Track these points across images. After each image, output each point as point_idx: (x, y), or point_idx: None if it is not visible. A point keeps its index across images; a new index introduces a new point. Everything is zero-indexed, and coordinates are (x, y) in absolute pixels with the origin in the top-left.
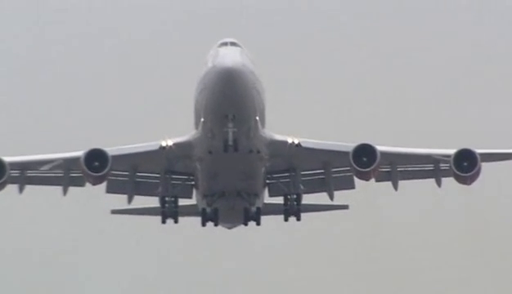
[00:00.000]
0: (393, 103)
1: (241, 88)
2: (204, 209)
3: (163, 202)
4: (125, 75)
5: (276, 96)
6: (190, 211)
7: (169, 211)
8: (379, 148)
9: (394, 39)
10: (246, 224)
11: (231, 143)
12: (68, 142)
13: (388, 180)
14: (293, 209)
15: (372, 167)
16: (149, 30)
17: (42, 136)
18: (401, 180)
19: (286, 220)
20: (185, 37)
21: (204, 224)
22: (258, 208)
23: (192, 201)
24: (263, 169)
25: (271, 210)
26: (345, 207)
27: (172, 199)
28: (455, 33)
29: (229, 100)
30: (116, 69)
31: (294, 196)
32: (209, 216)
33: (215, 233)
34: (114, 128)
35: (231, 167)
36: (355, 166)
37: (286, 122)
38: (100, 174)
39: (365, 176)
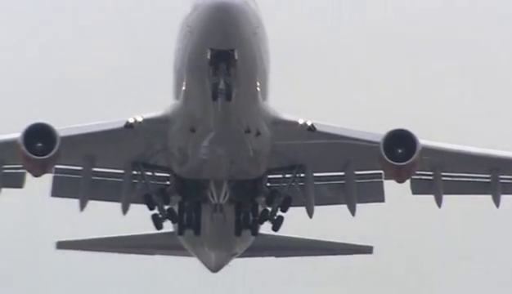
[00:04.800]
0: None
1: (240, 30)
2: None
3: (149, 201)
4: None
5: (280, 77)
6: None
7: (161, 211)
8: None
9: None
10: (239, 234)
11: (222, 87)
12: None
13: (428, 193)
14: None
15: (411, 160)
16: None
17: None
18: (447, 194)
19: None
20: None
21: (181, 233)
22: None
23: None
24: (263, 164)
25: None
26: (368, 249)
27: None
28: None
29: (222, 41)
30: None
31: (282, 199)
32: (189, 220)
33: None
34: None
35: (218, 157)
36: (387, 158)
37: (291, 108)
38: (44, 157)
39: (399, 174)
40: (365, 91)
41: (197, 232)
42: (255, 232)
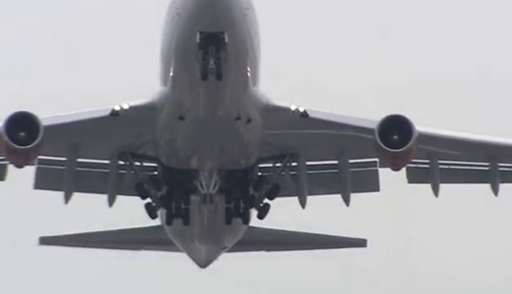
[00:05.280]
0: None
1: (230, 12)
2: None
3: (141, 191)
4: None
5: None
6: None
7: (154, 199)
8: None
9: None
10: (229, 223)
11: (212, 66)
12: None
13: (425, 182)
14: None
15: (407, 147)
16: None
17: None
18: (444, 183)
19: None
20: None
21: (169, 222)
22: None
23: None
24: (254, 152)
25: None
26: (362, 242)
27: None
28: None
29: (212, 24)
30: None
31: (270, 186)
32: (177, 209)
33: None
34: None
35: (208, 146)
36: (382, 145)
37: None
38: (27, 147)
39: (395, 162)
40: (358, 79)
41: (186, 221)
42: (246, 220)
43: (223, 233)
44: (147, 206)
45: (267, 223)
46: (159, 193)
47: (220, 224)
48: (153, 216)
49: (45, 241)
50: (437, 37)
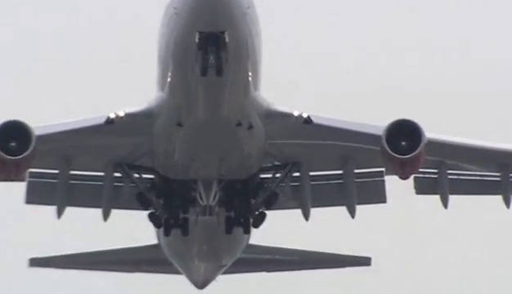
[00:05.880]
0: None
1: (230, 10)
2: None
3: (142, 200)
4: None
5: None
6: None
7: (157, 207)
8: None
9: None
10: (230, 232)
11: (212, 61)
12: None
13: (433, 193)
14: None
15: (415, 153)
16: None
17: None
18: (453, 194)
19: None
20: None
21: (167, 233)
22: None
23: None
24: (256, 161)
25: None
26: (366, 261)
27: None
28: None
29: (212, 23)
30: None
31: (268, 193)
32: (176, 219)
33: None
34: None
35: (207, 154)
36: (389, 151)
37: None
38: (19, 157)
39: (403, 169)
40: (364, 83)
41: (185, 232)
42: (247, 230)
43: (223, 246)
44: (151, 216)
45: (270, 239)
46: (161, 202)
47: (220, 234)
48: (158, 225)
49: (35, 262)
50: (439, 37)
